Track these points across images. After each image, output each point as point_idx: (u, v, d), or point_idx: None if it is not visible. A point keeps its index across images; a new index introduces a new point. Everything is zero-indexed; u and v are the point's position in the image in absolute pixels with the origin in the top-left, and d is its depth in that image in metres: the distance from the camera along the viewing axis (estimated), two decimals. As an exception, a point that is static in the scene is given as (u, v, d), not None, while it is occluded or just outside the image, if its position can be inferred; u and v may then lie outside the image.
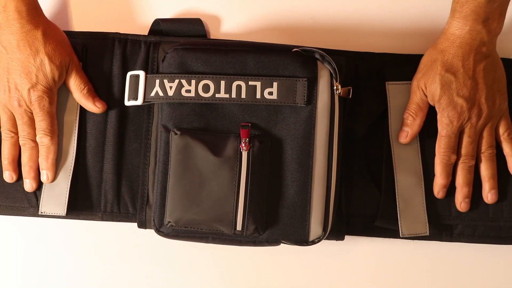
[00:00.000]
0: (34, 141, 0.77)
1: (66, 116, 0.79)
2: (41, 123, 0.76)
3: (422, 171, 0.78)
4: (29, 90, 0.74)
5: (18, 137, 0.77)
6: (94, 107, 0.78)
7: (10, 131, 0.77)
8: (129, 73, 0.77)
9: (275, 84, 0.73)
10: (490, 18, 0.72)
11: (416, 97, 0.76)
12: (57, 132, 0.77)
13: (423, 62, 0.76)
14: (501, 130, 0.77)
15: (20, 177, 0.79)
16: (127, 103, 0.77)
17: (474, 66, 0.73)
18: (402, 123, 0.78)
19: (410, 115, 0.77)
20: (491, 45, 0.74)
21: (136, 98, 0.76)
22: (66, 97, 0.79)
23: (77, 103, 0.79)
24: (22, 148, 0.78)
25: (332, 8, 0.83)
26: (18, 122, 0.77)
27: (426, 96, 0.76)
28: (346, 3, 0.83)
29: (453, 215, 0.79)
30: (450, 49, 0.73)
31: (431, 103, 0.76)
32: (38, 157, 0.78)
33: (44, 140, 0.76)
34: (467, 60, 0.73)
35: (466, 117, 0.74)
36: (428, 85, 0.74)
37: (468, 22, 0.72)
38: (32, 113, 0.76)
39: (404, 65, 0.80)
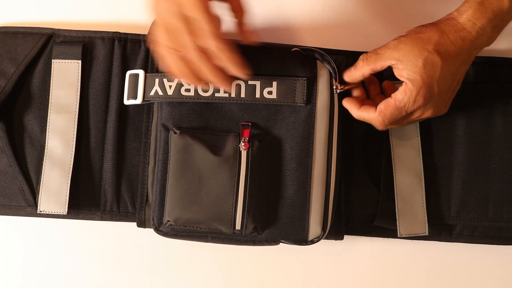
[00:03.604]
0: (203, 50, 0.65)
1: (64, 114, 0.79)
2: (205, 27, 0.64)
3: (422, 171, 0.78)
4: None
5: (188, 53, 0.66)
6: (247, 36, 0.72)
7: (175, 49, 0.66)
8: (129, 72, 0.77)
9: (274, 83, 0.73)
10: (498, 26, 0.69)
11: (387, 53, 0.69)
12: (223, 35, 0.65)
13: (414, 30, 0.70)
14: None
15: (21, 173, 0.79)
16: (126, 102, 0.77)
17: (460, 65, 0.69)
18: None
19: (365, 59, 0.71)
20: (477, 53, 0.70)
21: (135, 97, 0.76)
22: (65, 95, 0.79)
23: (77, 100, 0.79)
24: (196, 62, 0.66)
25: (332, 8, 0.83)
26: (181, 34, 0.65)
27: (395, 62, 0.69)
28: (345, 3, 0.83)
29: (452, 215, 0.79)
30: (452, 35, 0.68)
31: (396, 71, 0.69)
32: (214, 63, 0.67)
33: (212, 43, 0.65)
34: (460, 55, 0.69)
35: (425, 106, 0.69)
36: (409, 55, 0.68)
37: (484, 20, 0.67)
38: (194, 20, 0.64)
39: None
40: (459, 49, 0.68)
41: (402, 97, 0.69)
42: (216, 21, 0.65)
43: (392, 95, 0.69)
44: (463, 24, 0.68)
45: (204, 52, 0.65)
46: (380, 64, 0.70)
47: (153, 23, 0.68)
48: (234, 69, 0.67)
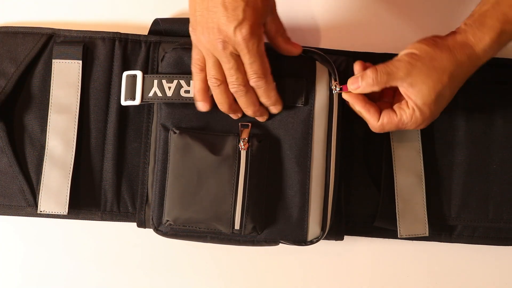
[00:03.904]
0: (246, 85, 0.68)
1: (65, 114, 0.79)
2: (252, 66, 0.67)
3: (423, 171, 0.78)
4: (235, 29, 0.64)
5: (227, 84, 0.69)
6: (295, 50, 0.72)
7: (216, 78, 0.69)
8: (125, 73, 0.77)
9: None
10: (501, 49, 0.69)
11: (399, 77, 0.68)
12: (269, 70, 0.69)
13: (428, 52, 0.68)
14: None
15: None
16: (124, 103, 0.76)
17: (460, 86, 0.70)
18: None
19: (375, 75, 0.69)
20: None
21: (133, 98, 0.75)
22: (66, 95, 0.79)
23: (77, 101, 0.79)
24: (234, 94, 0.70)
25: (332, 8, 0.83)
26: (224, 67, 0.67)
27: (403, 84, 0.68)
28: (345, 3, 0.83)
29: (452, 216, 0.79)
30: (466, 66, 0.67)
31: (404, 90, 0.68)
32: (256, 98, 0.70)
33: (259, 84, 0.68)
34: (465, 79, 0.69)
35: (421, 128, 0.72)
36: (422, 85, 0.67)
37: (497, 49, 0.68)
38: (239, 56, 0.66)
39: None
40: (467, 75, 0.69)
41: (406, 121, 0.69)
42: (266, 62, 0.68)
43: (397, 112, 0.70)
44: (479, 54, 0.67)
45: (248, 88, 0.69)
46: (390, 85, 0.69)
47: (196, 49, 0.69)
48: (273, 107, 0.72)
